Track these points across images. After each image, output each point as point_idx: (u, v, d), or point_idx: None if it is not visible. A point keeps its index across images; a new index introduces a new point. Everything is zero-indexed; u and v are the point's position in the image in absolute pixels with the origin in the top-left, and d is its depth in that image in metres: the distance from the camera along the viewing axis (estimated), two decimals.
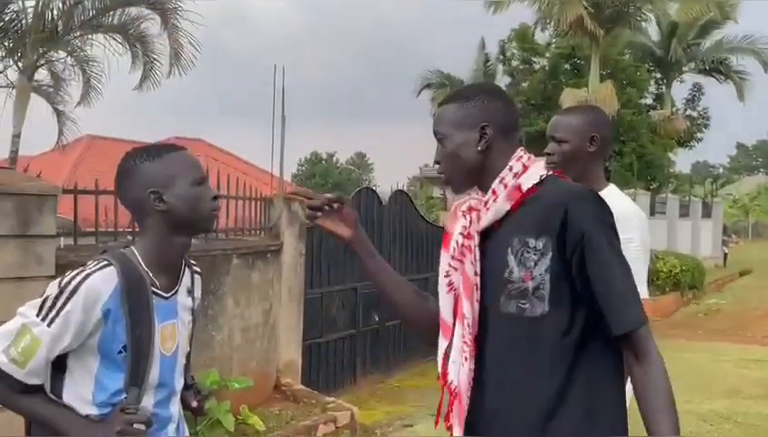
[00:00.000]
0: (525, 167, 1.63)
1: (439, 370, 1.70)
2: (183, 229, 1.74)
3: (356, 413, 5.89)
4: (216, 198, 1.79)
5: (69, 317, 1.54)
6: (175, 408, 1.82)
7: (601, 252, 1.51)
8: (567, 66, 22.86)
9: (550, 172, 1.65)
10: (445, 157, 1.70)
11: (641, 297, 2.18)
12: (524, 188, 1.59)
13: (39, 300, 1.58)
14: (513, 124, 1.72)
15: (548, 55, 23.56)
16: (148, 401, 1.69)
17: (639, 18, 18.71)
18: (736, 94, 23.14)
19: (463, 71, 25.03)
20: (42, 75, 10.73)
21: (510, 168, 1.62)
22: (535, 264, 1.52)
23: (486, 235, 1.64)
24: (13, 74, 9.99)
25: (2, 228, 3.93)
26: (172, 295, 1.76)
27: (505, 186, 1.60)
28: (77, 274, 1.58)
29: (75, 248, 4.88)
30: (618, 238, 1.56)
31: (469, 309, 1.61)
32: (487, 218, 1.62)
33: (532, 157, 1.67)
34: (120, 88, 11.61)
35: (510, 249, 1.56)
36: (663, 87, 25.15)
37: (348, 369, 8.16)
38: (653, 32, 23.39)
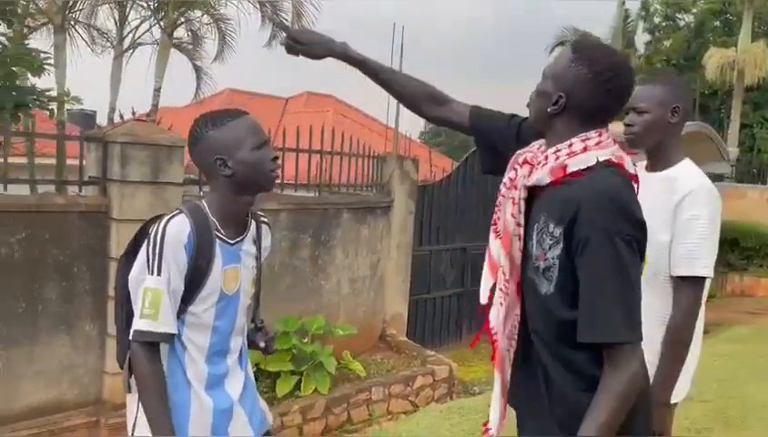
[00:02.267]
0: (585, 149, 1.57)
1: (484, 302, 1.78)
2: (246, 190, 1.91)
3: (454, 369, 6.05)
4: (275, 159, 1.93)
5: (167, 259, 1.77)
6: (236, 342, 2.01)
7: (594, 260, 1.48)
8: (716, 24, 21.16)
9: (602, 159, 1.56)
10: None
11: (705, 274, 2.17)
12: (570, 169, 1.55)
13: (142, 262, 1.81)
14: (599, 102, 1.60)
15: (694, 11, 21.90)
16: (206, 336, 1.90)
17: None
18: None
19: (601, 28, 23.89)
20: (181, 33, 11.41)
21: (570, 145, 1.58)
22: (549, 248, 1.55)
23: (532, 195, 1.63)
24: (156, 32, 10.70)
25: (137, 175, 4.36)
26: (237, 243, 1.94)
27: (556, 157, 1.57)
28: (157, 225, 1.81)
29: (201, 195, 5.33)
30: (626, 250, 1.48)
31: (504, 257, 1.66)
32: (533, 179, 1.61)
33: (605, 142, 1.60)
34: (259, 46, 12.02)
35: (536, 225, 1.59)
36: None
37: (454, 327, 8.31)
38: None
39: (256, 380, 2.32)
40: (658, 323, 2.16)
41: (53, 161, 6.34)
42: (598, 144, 1.58)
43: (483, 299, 1.78)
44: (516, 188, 1.64)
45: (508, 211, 1.65)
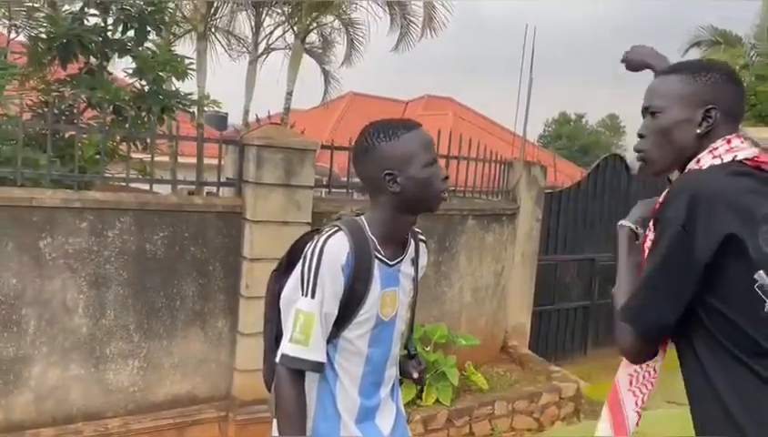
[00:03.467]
0: (713, 158, 1.46)
1: None
2: (411, 208, 1.79)
3: (582, 387, 5.73)
4: (446, 178, 1.79)
5: (323, 281, 1.66)
6: (390, 372, 1.90)
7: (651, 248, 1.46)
8: None
9: (734, 158, 1.44)
10: (654, 132, 1.55)
11: None
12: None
13: (296, 280, 1.72)
14: (740, 109, 1.54)
15: None
16: (360, 364, 1.79)
17: None
18: None
19: (743, 26, 22.18)
20: (312, 37, 11.64)
21: (698, 160, 1.48)
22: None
23: None
24: (289, 37, 10.98)
25: (271, 177, 4.41)
26: (396, 263, 1.82)
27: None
28: (315, 243, 1.70)
29: (329, 198, 5.34)
30: (674, 239, 1.37)
31: None
32: None
33: (736, 146, 1.47)
34: (380, 50, 12.11)
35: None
36: None
37: (579, 340, 7.95)
38: None
39: None
40: None
41: (192, 161, 6.60)
42: (730, 149, 1.47)
43: None
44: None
45: None
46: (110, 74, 5.51)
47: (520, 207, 6.51)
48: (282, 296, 1.79)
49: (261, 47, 10.92)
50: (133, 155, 4.93)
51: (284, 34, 11.00)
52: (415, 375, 2.02)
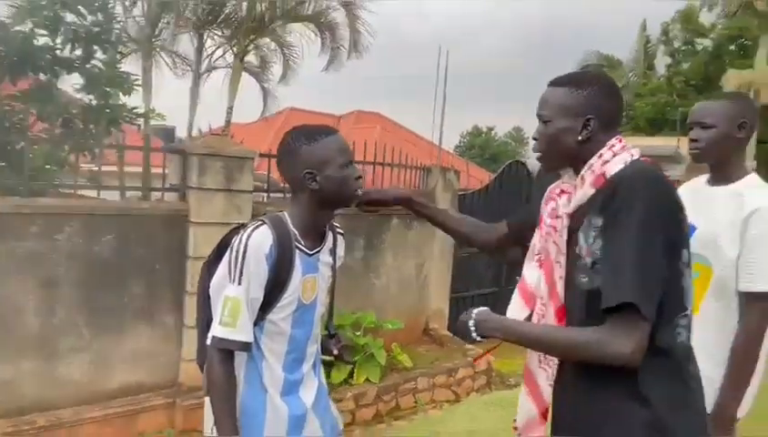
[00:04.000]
0: (614, 154, 1.49)
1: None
2: (329, 204, 1.80)
3: (492, 362, 5.86)
4: (359, 177, 1.82)
5: (248, 270, 1.66)
6: (312, 349, 1.90)
7: (620, 228, 1.35)
8: (732, 48, 20.41)
9: (636, 157, 1.49)
10: (544, 138, 1.58)
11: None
12: (608, 174, 1.46)
13: (224, 269, 1.70)
14: (617, 117, 1.59)
15: (712, 35, 21.17)
16: (284, 343, 1.79)
17: None
18: None
19: (623, 52, 23.29)
20: (250, 57, 11.53)
21: (600, 156, 1.50)
22: (594, 240, 1.42)
23: (572, 216, 1.54)
24: (229, 57, 10.84)
25: (213, 183, 4.34)
26: (315, 253, 1.82)
27: (592, 172, 1.49)
28: (241, 236, 1.70)
29: (268, 202, 5.28)
30: (653, 223, 1.34)
31: (544, 283, 1.57)
32: (576, 201, 1.52)
33: (627, 145, 1.52)
34: (313, 69, 12.12)
35: (582, 227, 1.48)
36: None
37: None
38: None
39: None
40: (724, 339, 1.98)
41: (138, 170, 6.39)
42: (623, 147, 1.51)
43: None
44: (559, 218, 1.56)
45: (551, 240, 1.57)
46: (59, 89, 5.29)
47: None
48: (212, 283, 1.77)
49: (204, 66, 10.74)
50: (82, 165, 4.75)
51: (224, 54, 10.88)
52: (335, 351, 2.03)
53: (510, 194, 8.06)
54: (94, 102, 5.07)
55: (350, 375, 4.92)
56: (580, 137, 1.52)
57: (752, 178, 2.10)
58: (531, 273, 1.64)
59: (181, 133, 12.08)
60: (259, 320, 1.74)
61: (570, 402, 1.55)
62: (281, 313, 1.75)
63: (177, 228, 4.31)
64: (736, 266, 1.96)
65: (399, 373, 5.27)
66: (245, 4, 9.84)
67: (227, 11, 9.95)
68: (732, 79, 16.10)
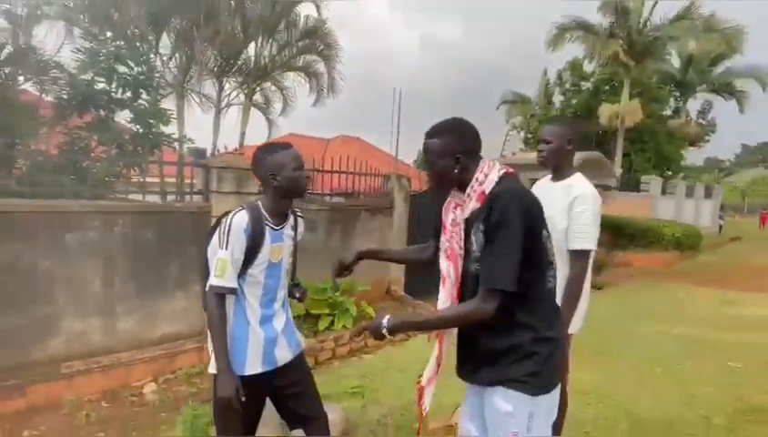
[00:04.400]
0: (486, 175, 1.53)
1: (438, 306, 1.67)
2: (287, 196, 1.91)
3: (433, 310, 5.99)
4: (307, 178, 1.92)
5: (232, 240, 1.77)
6: (281, 293, 1.98)
7: (495, 234, 1.45)
8: (606, 88, 20.93)
9: (503, 172, 1.55)
10: (433, 176, 1.62)
11: (589, 248, 2.13)
12: (486, 191, 1.52)
13: (216, 239, 1.81)
14: (478, 147, 1.61)
15: (592, 80, 21.68)
16: (259, 289, 1.86)
17: (663, 52, 16.72)
18: (736, 108, 20.18)
19: (531, 91, 23.72)
20: (257, 97, 11.50)
21: (476, 179, 1.54)
22: (481, 241, 1.50)
23: (467, 220, 1.58)
24: (241, 97, 10.82)
25: (228, 187, 4.44)
26: (280, 228, 1.93)
27: (475, 191, 1.54)
28: (228, 217, 1.82)
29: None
30: (516, 227, 1.43)
31: (452, 271, 1.61)
32: (467, 212, 1.57)
33: (491, 163, 1.57)
34: (305, 103, 12.12)
35: (473, 231, 1.53)
36: (681, 103, 22.39)
37: (433, 285, 8.25)
38: (676, 61, 20.82)
39: (305, 320, 2.25)
40: (561, 281, 2.13)
41: (173, 179, 6.40)
42: (490, 167, 1.55)
43: (441, 298, 1.66)
44: (457, 224, 1.59)
45: (455, 240, 1.60)
46: (114, 122, 5.29)
47: (395, 203, 6.74)
48: (209, 249, 1.87)
49: (223, 103, 10.70)
50: (134, 177, 4.79)
51: (238, 94, 10.85)
52: (297, 295, 2.09)
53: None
54: (140, 131, 5.09)
55: (331, 324, 5.03)
56: (456, 171, 1.56)
57: (577, 176, 2.26)
58: (443, 264, 1.66)
59: (207, 153, 12.00)
60: (242, 274, 1.83)
61: (477, 342, 1.58)
62: (257, 269, 1.85)
63: (203, 220, 4.37)
64: (567, 234, 2.16)
65: (367, 321, 5.35)
66: (252, 58, 9.88)
67: (239, 63, 9.96)
68: (605, 110, 16.58)
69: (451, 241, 1.60)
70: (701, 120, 23.55)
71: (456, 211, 1.61)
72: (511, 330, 1.52)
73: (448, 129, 1.59)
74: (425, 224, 7.85)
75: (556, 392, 1.58)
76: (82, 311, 3.83)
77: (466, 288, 1.57)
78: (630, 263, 12.87)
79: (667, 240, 13.27)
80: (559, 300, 2.08)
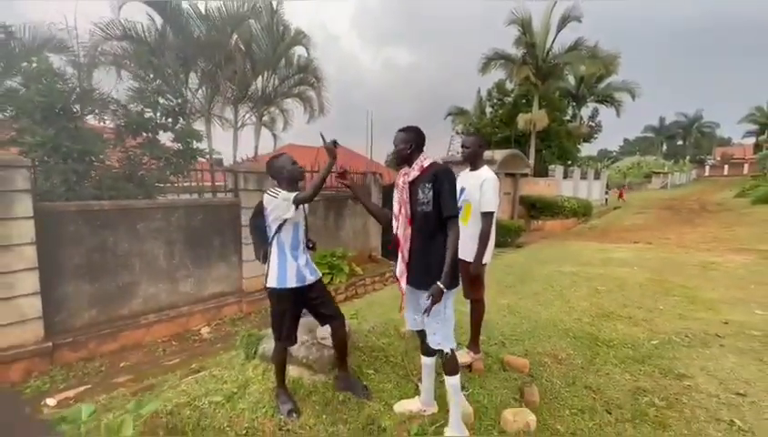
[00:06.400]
0: (425, 158, 2.03)
1: (395, 232, 2.08)
2: (293, 181, 2.23)
3: None
4: (302, 169, 2.24)
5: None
6: (302, 240, 2.28)
7: (444, 188, 1.94)
8: (523, 101, 21.37)
9: (435, 160, 2.01)
10: (396, 153, 2.06)
11: (492, 209, 2.48)
12: (425, 166, 2.03)
13: (278, 202, 2.12)
14: (423, 143, 2.08)
15: (512, 95, 22.06)
16: (291, 234, 2.18)
17: (562, 74, 17.26)
18: (615, 113, 21.07)
19: (469, 105, 23.99)
20: (265, 118, 11.44)
21: (420, 159, 2.04)
22: (428, 192, 1.94)
23: (411, 183, 2.00)
24: (253, 118, 10.72)
25: (252, 186, 4.57)
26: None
27: (417, 165, 2.03)
28: (274, 193, 2.14)
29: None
30: (453, 183, 1.91)
31: (403, 209, 2.01)
32: (411, 177, 2.03)
33: (429, 157, 2.01)
34: (301, 121, 12.07)
35: (420, 188, 1.99)
36: (576, 110, 23.12)
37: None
38: (571, 80, 21.41)
39: None
40: (477, 231, 2.48)
41: (208, 183, 6.46)
42: (426, 158, 2.03)
43: (394, 230, 2.08)
44: (404, 184, 2.04)
45: (404, 194, 2.05)
46: (159, 141, 5.32)
47: (371, 193, 6.82)
48: (268, 210, 2.14)
49: (239, 123, 10.64)
50: (183, 183, 4.87)
51: (251, 116, 10.78)
52: (310, 245, 2.37)
53: None
54: (180, 147, 5.14)
55: (330, 280, 5.24)
56: (408, 152, 2.03)
57: (484, 168, 2.60)
58: (396, 207, 2.10)
59: (228, 161, 11.91)
60: (282, 224, 2.15)
61: (419, 253, 2.00)
62: (290, 222, 2.21)
63: (234, 210, 4.52)
64: (479, 202, 2.49)
65: (356, 277, 5.59)
66: (260, 89, 9.83)
67: (250, 93, 9.90)
68: (522, 118, 17.00)
69: (402, 193, 2.05)
70: (590, 123, 24.44)
71: (404, 177, 2.06)
72: (438, 245, 1.93)
73: (408, 129, 2.08)
74: (391, 207, 8.05)
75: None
76: (153, 278, 3.97)
77: (414, 220, 2.00)
78: (541, 228, 13.55)
79: (567, 210, 13.96)
80: (476, 242, 2.48)
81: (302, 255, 2.28)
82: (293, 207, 2.13)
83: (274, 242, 2.18)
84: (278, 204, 2.14)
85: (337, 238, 5.99)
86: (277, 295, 2.18)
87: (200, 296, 4.32)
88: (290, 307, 2.20)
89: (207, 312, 4.28)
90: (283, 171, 2.19)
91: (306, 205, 2.32)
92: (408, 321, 2.18)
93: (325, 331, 2.43)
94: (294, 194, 2.13)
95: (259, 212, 2.22)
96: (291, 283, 2.20)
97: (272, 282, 2.17)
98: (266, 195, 2.16)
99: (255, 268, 4.57)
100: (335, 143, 2.09)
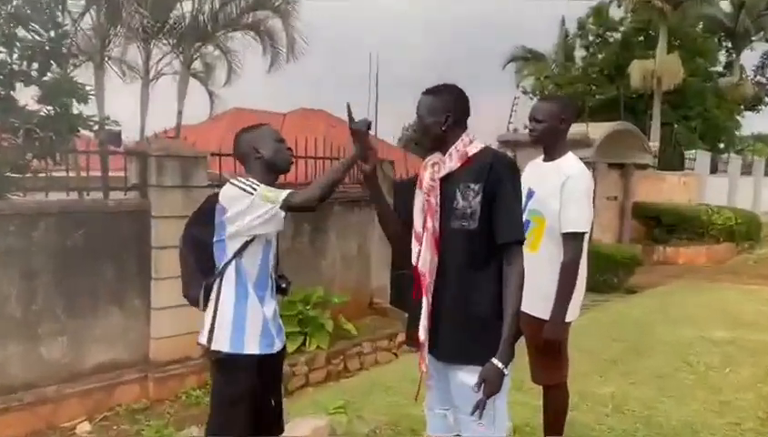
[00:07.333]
0: (471, 141, 1.99)
1: (413, 262, 2.03)
2: (273, 170, 2.20)
3: None
4: (289, 148, 2.26)
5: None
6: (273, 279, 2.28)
7: (504, 192, 1.89)
8: (639, 40, 21.52)
9: (485, 145, 2.00)
10: (420, 129, 2.04)
11: (582, 230, 2.49)
12: (470, 154, 1.96)
13: (239, 194, 2.06)
14: (467, 114, 2.05)
15: (622, 28, 22.28)
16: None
17: None
18: None
19: (545, 45, 24.26)
20: (196, 64, 11.66)
21: (461, 140, 1.98)
22: (474, 197, 1.89)
23: (444, 180, 1.97)
24: (175, 64, 10.94)
25: (170, 181, 4.65)
26: None
27: (457, 151, 1.97)
28: (244, 182, 2.10)
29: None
30: (518, 184, 1.95)
31: (432, 224, 1.97)
32: (444, 170, 1.97)
33: (474, 136, 2.02)
34: (257, 71, 12.30)
35: (460, 190, 1.92)
36: (734, 56, 23.20)
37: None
38: (725, 5, 21.56)
39: None
40: (555, 266, 2.49)
41: (94, 173, 6.54)
42: (472, 138, 2.00)
43: (413, 259, 2.03)
44: (435, 181, 1.98)
45: (433, 195, 1.98)
46: (16, 101, 5.37)
47: None
48: (231, 214, 2.07)
49: (152, 73, 10.82)
50: (53, 171, 4.90)
51: (171, 61, 10.97)
52: (282, 286, 2.35)
53: None
54: (52, 112, 5.18)
55: (303, 343, 5.30)
56: (443, 128, 1.98)
57: (569, 156, 2.60)
58: (418, 218, 2.02)
59: (131, 136, 12.12)
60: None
61: (455, 300, 1.95)
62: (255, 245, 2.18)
63: (140, 222, 4.57)
64: (559, 216, 2.49)
65: (346, 340, 5.67)
66: (188, 15, 10.01)
67: (171, 22, 10.07)
68: (637, 68, 17.15)
69: (429, 195, 1.99)
70: (759, 77, 24.38)
71: (433, 169, 2.01)
72: (484, 282, 1.94)
73: (443, 89, 2.04)
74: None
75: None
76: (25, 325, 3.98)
77: (447, 243, 1.95)
78: (672, 260, 13.40)
79: (717, 230, 13.86)
80: (554, 285, 2.48)
81: (271, 299, 2.25)
82: (281, 214, 2.07)
83: (229, 273, 2.14)
84: (252, 204, 2.06)
85: (315, 272, 6.04)
86: (232, 367, 2.12)
87: (77, 368, 4.32)
88: (249, 389, 2.13)
89: (87, 397, 4.28)
90: (259, 148, 2.16)
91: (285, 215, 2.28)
92: (430, 423, 2.15)
93: None
94: (286, 191, 2.06)
95: (205, 216, 2.21)
96: (253, 347, 2.13)
97: (222, 344, 2.10)
98: (229, 186, 2.11)
99: (174, 319, 4.59)
100: (368, 125, 2.02)
